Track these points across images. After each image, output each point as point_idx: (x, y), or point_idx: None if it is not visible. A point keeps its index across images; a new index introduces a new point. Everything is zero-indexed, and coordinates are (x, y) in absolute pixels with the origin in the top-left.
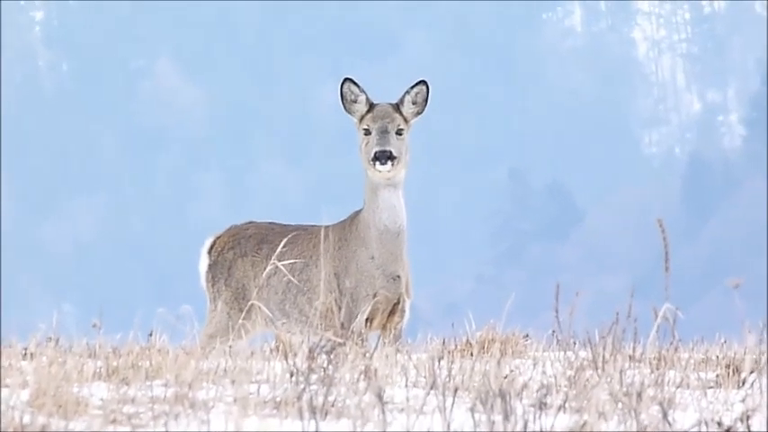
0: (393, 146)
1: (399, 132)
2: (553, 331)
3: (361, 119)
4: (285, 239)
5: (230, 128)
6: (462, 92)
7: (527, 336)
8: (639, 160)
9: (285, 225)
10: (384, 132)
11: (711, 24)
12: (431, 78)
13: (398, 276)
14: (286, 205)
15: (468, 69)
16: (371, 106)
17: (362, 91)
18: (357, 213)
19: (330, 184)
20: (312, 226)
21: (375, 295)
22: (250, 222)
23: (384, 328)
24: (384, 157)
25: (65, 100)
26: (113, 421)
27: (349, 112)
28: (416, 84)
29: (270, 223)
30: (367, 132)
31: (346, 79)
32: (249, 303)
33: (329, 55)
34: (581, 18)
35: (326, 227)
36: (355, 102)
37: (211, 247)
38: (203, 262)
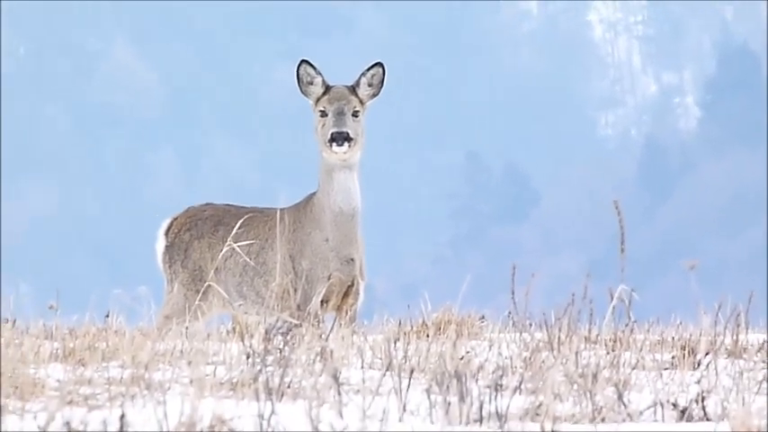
0: (350, 127)
1: (355, 114)
2: (509, 313)
3: (317, 101)
4: (240, 221)
5: (184, 108)
6: (417, 74)
7: (483, 317)
8: (596, 142)
9: (241, 207)
10: (340, 114)
11: (667, 6)
12: (385, 60)
13: (352, 259)
14: (239, 185)
15: (423, 51)
16: (327, 88)
17: (318, 73)
18: (312, 196)
19: (284, 164)
20: (268, 208)
21: (329, 277)
22: (207, 204)
23: (339, 309)
24: (341, 138)
25: (20, 82)
26: (70, 402)
27: (305, 94)
28: (372, 66)
29: (227, 205)
30: (323, 114)
31: (303, 61)
32: (206, 285)
33: (280, 35)
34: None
35: (282, 209)
36: (311, 84)
37: (168, 229)
38: (160, 243)
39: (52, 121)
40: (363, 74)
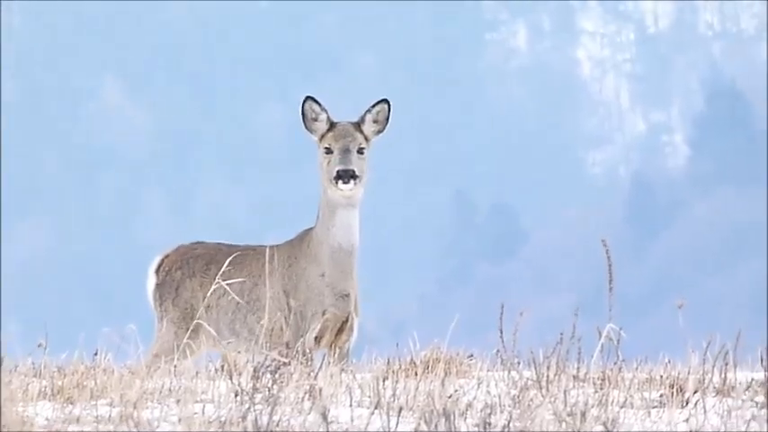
0: (355, 165)
1: (360, 151)
2: (497, 351)
3: (322, 137)
4: (231, 259)
5: (174, 148)
6: (406, 112)
7: (471, 355)
8: (584, 180)
9: (233, 245)
10: (346, 152)
11: (655, 44)
12: (376, 98)
13: (348, 294)
14: (230, 225)
15: (412, 89)
16: (332, 125)
17: (324, 109)
18: (308, 231)
19: (274, 203)
20: (260, 246)
21: (324, 313)
22: (198, 242)
23: (332, 346)
24: (347, 176)
25: (8, 119)
26: None
27: (309, 131)
28: (378, 102)
29: (218, 244)
30: (328, 151)
31: (308, 97)
32: (194, 322)
33: (272, 75)
34: (525, 38)
35: (273, 246)
36: (316, 120)
37: (159, 267)
38: (151, 281)
39: (41, 159)
40: (369, 110)
